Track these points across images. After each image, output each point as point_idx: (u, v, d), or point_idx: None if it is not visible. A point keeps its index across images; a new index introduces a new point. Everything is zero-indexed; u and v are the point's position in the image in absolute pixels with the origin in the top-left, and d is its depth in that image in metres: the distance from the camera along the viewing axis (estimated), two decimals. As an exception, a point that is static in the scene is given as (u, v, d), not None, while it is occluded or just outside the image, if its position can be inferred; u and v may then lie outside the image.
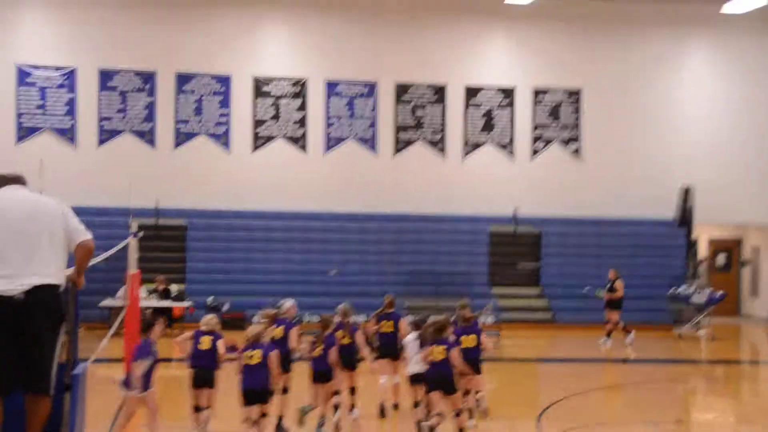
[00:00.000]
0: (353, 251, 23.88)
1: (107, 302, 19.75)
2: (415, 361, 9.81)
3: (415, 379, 9.87)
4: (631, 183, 25.38)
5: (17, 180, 5.51)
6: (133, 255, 13.74)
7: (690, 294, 22.93)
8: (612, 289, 19.58)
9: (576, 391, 13.86)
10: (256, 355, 9.13)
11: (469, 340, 10.23)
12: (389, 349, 11.29)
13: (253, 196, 24.03)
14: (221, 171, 24.15)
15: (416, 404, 9.98)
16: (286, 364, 10.05)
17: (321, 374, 9.99)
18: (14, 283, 4.99)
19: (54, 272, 5.18)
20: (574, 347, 19.79)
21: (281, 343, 10.17)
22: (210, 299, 21.85)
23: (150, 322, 9.22)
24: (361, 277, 22.95)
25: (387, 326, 11.52)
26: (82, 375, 5.33)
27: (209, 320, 10.00)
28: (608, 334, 19.23)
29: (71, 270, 5.57)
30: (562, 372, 16.65)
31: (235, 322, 20.83)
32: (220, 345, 9.60)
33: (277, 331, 10.39)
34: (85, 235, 5.46)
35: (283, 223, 23.99)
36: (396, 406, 11.40)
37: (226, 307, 21.69)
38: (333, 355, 9.99)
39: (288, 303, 10.99)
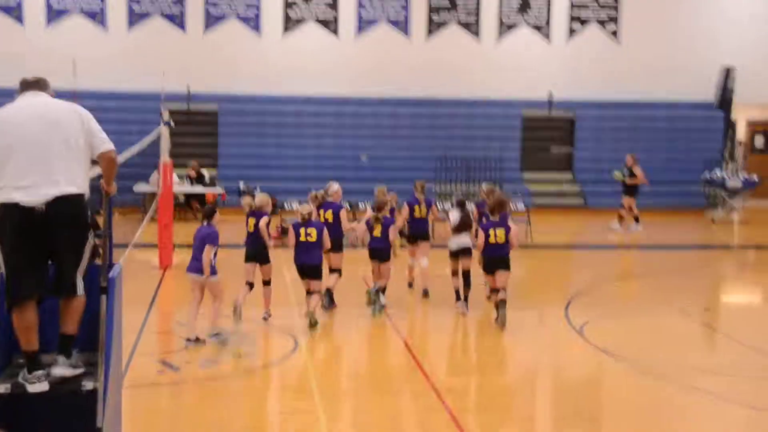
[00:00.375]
0: (385, 136, 23.74)
1: (141, 187, 19.95)
2: (456, 237, 11.02)
3: (455, 254, 11.04)
4: (670, 65, 24.72)
5: (38, 84, 5.34)
6: (165, 144, 13.76)
7: (725, 178, 22.64)
8: (631, 175, 19.44)
9: (606, 279, 13.90)
10: (312, 233, 9.96)
11: (498, 234, 10.42)
12: (422, 232, 11.97)
13: (284, 80, 23.78)
14: (252, 55, 23.85)
15: (454, 273, 11.14)
16: (338, 245, 10.74)
17: (378, 251, 10.90)
18: (35, 194, 4.90)
19: (75, 181, 5.04)
20: (606, 233, 19.77)
21: (331, 225, 10.65)
22: (242, 184, 21.98)
23: (212, 209, 9.59)
24: (393, 162, 22.89)
25: (418, 211, 12.04)
26: (117, 277, 5.35)
27: (248, 201, 10.81)
28: (636, 219, 19.24)
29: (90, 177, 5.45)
30: (592, 258, 16.68)
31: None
32: (325, 237, 10.08)
33: (327, 214, 10.85)
34: (107, 146, 5.31)
35: (315, 107, 23.82)
36: (426, 293, 11.94)
37: (257, 193, 21.79)
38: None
39: (335, 186, 11.27)
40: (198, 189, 20.44)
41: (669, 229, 20.33)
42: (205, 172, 21.20)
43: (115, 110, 22.76)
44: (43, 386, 4.99)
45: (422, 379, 8.42)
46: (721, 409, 7.90)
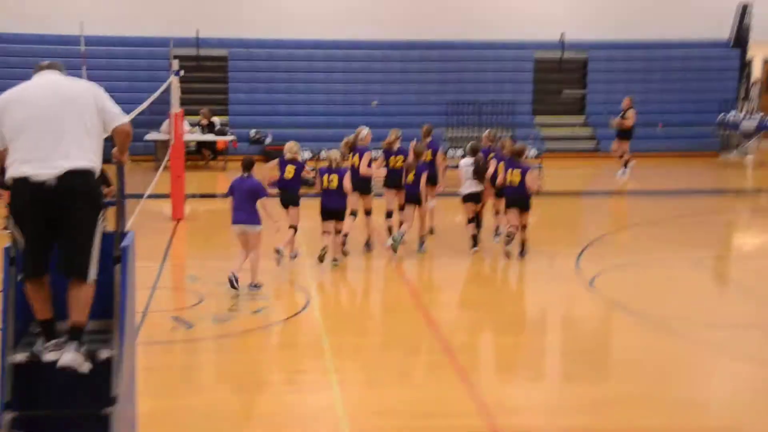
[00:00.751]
0: (395, 81, 23.55)
1: (152, 136, 19.94)
2: (468, 183, 11.59)
3: (468, 198, 11.67)
4: (684, 2, 24.31)
5: (52, 66, 5.25)
6: (176, 94, 13.70)
7: (740, 119, 22.41)
8: (624, 117, 19.01)
9: (618, 226, 13.90)
10: (334, 180, 10.67)
11: (514, 175, 11.23)
12: (428, 176, 11.86)
13: (293, 25, 23.50)
14: (264, 2, 23.59)
15: (469, 220, 11.74)
16: (366, 187, 11.35)
17: (413, 196, 11.42)
18: (45, 168, 4.86)
19: (87, 156, 4.97)
20: (617, 179, 19.70)
21: (357, 169, 11.19)
22: (253, 132, 21.93)
23: (251, 160, 10.03)
24: (403, 107, 22.75)
25: (426, 155, 12.05)
26: (131, 246, 5.36)
27: (291, 147, 11.13)
28: (625, 165, 18.81)
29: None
30: (604, 205, 16.64)
31: (277, 154, 20.90)
32: (346, 181, 10.73)
33: (356, 159, 11.32)
34: (121, 119, 5.27)
35: (324, 52, 23.61)
36: (431, 230, 12.62)
37: (268, 140, 21.80)
38: (424, 179, 11.40)
39: (364, 130, 11.60)
40: (209, 137, 20.42)
41: (682, 173, 20.21)
42: (216, 120, 21.15)
43: (124, 56, 22.67)
44: (57, 355, 5.06)
45: (431, 335, 8.50)
46: (728, 365, 7.95)
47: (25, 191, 4.92)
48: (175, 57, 16.61)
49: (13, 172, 4.96)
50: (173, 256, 11.71)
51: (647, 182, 18.70)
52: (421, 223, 11.87)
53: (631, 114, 18.64)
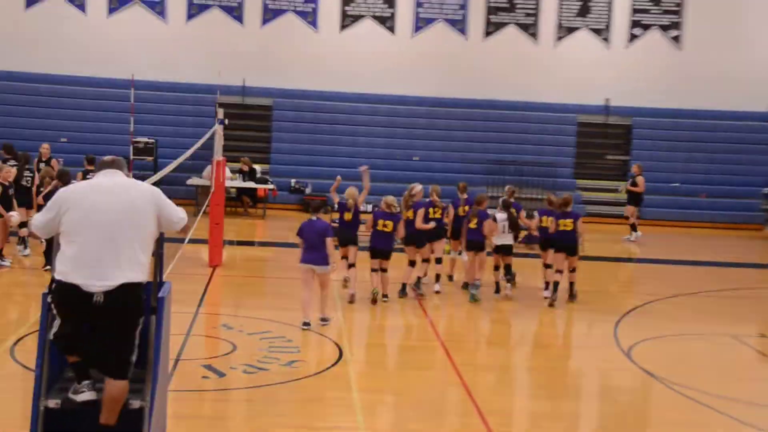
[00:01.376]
0: (438, 137, 23.70)
1: (194, 181, 20.18)
2: (502, 235, 12.61)
3: (499, 249, 12.70)
4: (733, 74, 24.22)
5: (114, 164, 5.30)
6: (219, 142, 13.87)
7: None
8: (634, 184, 19.55)
9: (659, 295, 13.69)
10: (389, 225, 11.78)
11: (567, 224, 12.45)
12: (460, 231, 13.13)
13: (339, 77, 23.84)
14: (308, 50, 23.94)
15: (496, 267, 12.86)
16: (421, 240, 12.47)
17: (475, 243, 12.37)
18: (95, 279, 4.92)
19: (139, 269, 5.04)
20: (660, 246, 19.46)
21: (413, 222, 12.31)
22: (293, 181, 22.11)
23: (321, 203, 11.46)
24: (445, 164, 22.83)
25: (462, 210, 13.26)
26: (167, 297, 5.40)
27: (352, 194, 12.37)
28: (634, 228, 19.45)
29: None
30: (645, 273, 16.44)
31: (318, 204, 21.09)
32: (400, 228, 11.90)
33: (410, 213, 12.44)
34: (181, 220, 5.39)
35: (368, 106, 23.85)
36: (465, 285, 13.25)
37: (308, 190, 21.95)
38: (487, 227, 12.31)
39: (418, 186, 12.77)
40: (249, 184, 20.61)
41: (726, 245, 19.96)
42: (257, 167, 21.36)
43: (172, 101, 23.09)
44: (91, 395, 5.08)
45: (464, 397, 8.38)
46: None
47: (71, 298, 4.96)
48: (221, 105, 16.89)
49: (62, 274, 4.97)
50: (208, 303, 11.74)
51: (690, 252, 18.48)
52: (479, 268, 12.53)
53: (640, 181, 19.00)
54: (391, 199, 12.04)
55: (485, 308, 12.18)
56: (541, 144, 23.76)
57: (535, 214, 13.45)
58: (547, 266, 12.98)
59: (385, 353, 10.22)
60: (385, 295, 11.97)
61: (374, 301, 11.82)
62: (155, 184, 5.51)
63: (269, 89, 23.70)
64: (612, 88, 24.26)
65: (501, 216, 12.75)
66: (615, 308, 12.54)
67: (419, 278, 12.73)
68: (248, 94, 23.52)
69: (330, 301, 11.17)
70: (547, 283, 12.82)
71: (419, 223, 12.34)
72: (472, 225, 12.37)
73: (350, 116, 23.74)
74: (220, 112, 14.19)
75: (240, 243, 17.00)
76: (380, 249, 11.88)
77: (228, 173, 19.31)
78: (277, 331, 10.20)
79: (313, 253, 10.38)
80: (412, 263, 12.48)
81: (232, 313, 11.17)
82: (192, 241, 13.79)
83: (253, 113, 23.69)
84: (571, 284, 12.70)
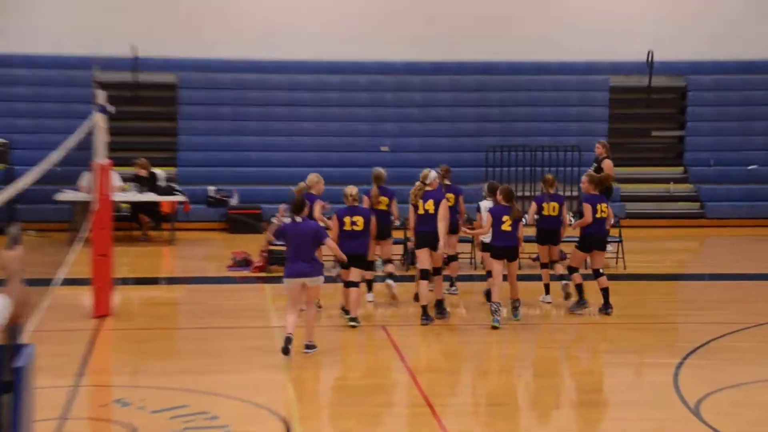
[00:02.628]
0: (415, 118, 23.68)
1: (66, 195, 19.96)
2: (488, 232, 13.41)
3: (498, 253, 13.28)
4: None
5: None
6: (101, 138, 13.70)
7: None
8: (598, 170, 18.52)
9: (733, 326, 13.71)
10: (359, 222, 12.83)
11: (604, 210, 13.80)
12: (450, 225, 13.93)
13: (270, 39, 23.79)
14: (227, 6, 23.86)
15: (495, 273, 13.38)
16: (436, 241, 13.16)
17: (509, 250, 13.17)
18: None
19: None
20: (733, 256, 19.50)
21: (431, 216, 13.02)
22: (212, 190, 21.95)
23: (301, 201, 11.64)
24: (426, 155, 22.70)
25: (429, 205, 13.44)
26: (27, 366, 5.26)
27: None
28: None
29: None
30: (712, 295, 16.48)
31: (248, 221, 20.99)
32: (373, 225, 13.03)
33: (429, 205, 13.09)
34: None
35: (315, 78, 23.82)
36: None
37: (234, 201, 21.81)
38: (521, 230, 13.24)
39: (432, 173, 13.40)
40: (149, 197, 20.42)
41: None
42: (159, 172, 21.20)
43: (27, 82, 22.83)
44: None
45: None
46: None
47: None
48: (102, 85, 16.76)
49: None
50: (94, 371, 11.55)
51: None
52: (512, 284, 13.39)
53: (608, 166, 18.35)
54: (353, 190, 12.94)
55: (479, 338, 12.24)
56: (561, 119, 23.83)
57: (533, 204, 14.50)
58: (544, 266, 14.46)
59: (350, 429, 10.11)
60: (353, 318, 12.89)
61: (353, 322, 12.79)
62: (9, 203, 5.36)
63: (171, 61, 23.58)
64: (657, 36, 24.39)
65: (488, 204, 13.81)
66: (674, 345, 12.55)
67: (440, 300, 13.54)
68: (142, 68, 23.36)
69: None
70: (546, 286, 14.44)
71: (443, 216, 13.07)
72: (505, 227, 13.15)
73: (289, 94, 23.66)
74: (101, 95, 13.98)
75: (138, 281, 16.82)
76: (355, 254, 12.74)
77: (117, 182, 19.09)
78: (196, 404, 10.01)
79: (302, 264, 11.36)
80: (425, 274, 13.17)
81: (130, 383, 10.99)
82: (68, 282, 13.60)
83: (149, 95, 23.55)
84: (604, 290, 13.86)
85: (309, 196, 13.59)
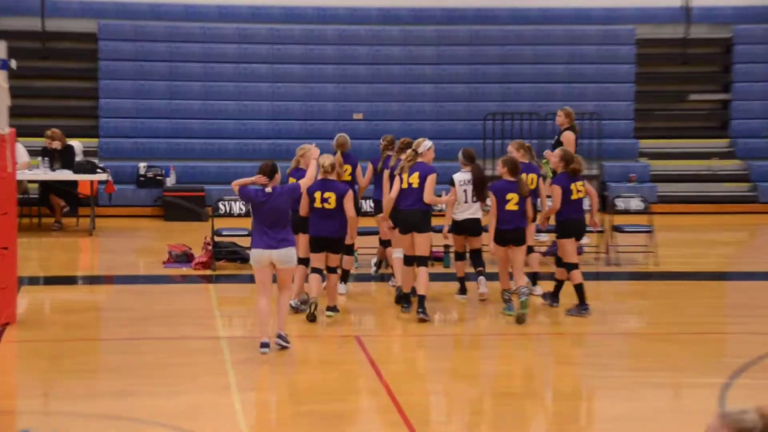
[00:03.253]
0: (394, 77, 23.65)
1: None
2: (465, 206, 14.22)
3: (462, 227, 14.35)
4: None
5: None
6: (2, 102, 13.60)
7: None
8: (558, 143, 18.42)
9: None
10: (331, 200, 13.14)
11: (581, 189, 14.02)
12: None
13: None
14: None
15: (458, 256, 14.64)
16: (426, 222, 13.82)
17: (517, 232, 13.80)
18: None
19: None
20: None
21: (415, 191, 13.62)
22: (143, 166, 21.85)
23: (272, 165, 12.05)
24: (409, 125, 22.78)
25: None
26: None
27: (327, 162, 13.26)
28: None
29: None
30: (765, 299, 16.52)
31: (182, 202, 20.92)
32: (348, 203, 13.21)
33: (414, 178, 13.62)
34: None
35: (270, 28, 23.75)
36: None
37: (171, 180, 21.73)
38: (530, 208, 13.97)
39: (427, 142, 13.97)
40: (63, 175, 20.27)
41: None
42: (76, 144, 21.05)
43: None
44: None
45: None
46: None
47: None
48: (2, 34, 16.61)
49: None
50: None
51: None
52: (517, 274, 13.81)
53: (568, 138, 18.09)
54: (326, 160, 13.23)
55: (480, 352, 12.35)
56: (576, 80, 23.82)
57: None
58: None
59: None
60: (331, 308, 13.37)
61: (311, 317, 13.14)
62: None
63: (90, 4, 23.46)
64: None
65: (462, 177, 14.24)
66: (719, 361, 12.55)
67: (418, 295, 13.69)
68: (53, 14, 23.22)
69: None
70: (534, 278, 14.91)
71: (429, 196, 13.56)
72: (510, 206, 13.65)
73: (239, 48, 23.59)
74: (1, 47, 13.88)
75: (50, 281, 16.73)
76: (324, 237, 13.22)
77: (23, 157, 18.95)
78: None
79: (274, 237, 11.87)
80: (409, 260, 13.71)
81: (39, 409, 10.90)
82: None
83: (63, 48, 23.43)
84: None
85: (420, 166, 13.78)
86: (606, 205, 19.34)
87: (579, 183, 14.03)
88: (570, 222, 13.96)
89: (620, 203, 18.39)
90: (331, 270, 13.43)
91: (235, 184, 12.07)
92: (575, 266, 13.90)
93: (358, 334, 13.15)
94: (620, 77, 24.15)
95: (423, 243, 13.67)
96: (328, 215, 13.16)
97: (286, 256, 11.89)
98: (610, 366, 12.21)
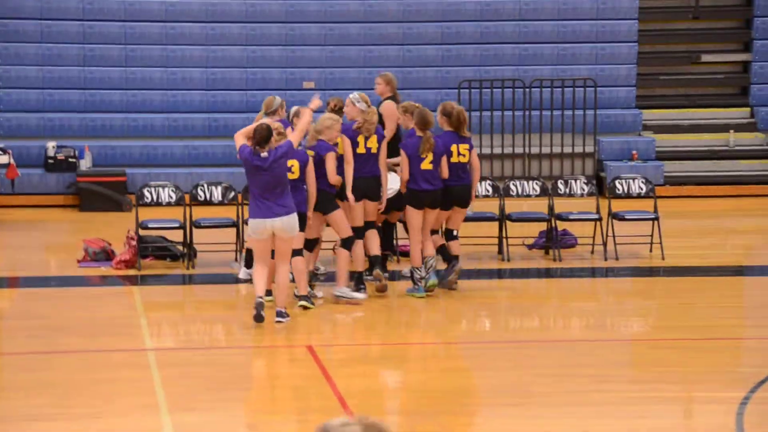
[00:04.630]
0: (351, 38, 23.66)
1: None
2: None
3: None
4: None
5: None
6: None
7: None
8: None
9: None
10: (294, 168, 13.90)
11: (463, 153, 14.96)
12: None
13: None
14: None
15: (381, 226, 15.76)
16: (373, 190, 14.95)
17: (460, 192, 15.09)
18: None
19: None
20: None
21: (371, 157, 14.91)
22: (52, 146, 21.79)
23: (267, 130, 13.22)
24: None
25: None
26: None
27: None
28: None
29: None
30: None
31: (107, 194, 20.91)
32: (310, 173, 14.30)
33: (371, 142, 14.86)
34: None
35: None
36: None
37: (86, 163, 21.68)
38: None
39: (356, 95, 15.51)
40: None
41: None
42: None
43: None
44: None
45: None
46: None
47: None
48: None
49: None
50: None
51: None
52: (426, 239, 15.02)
53: (387, 108, 18.39)
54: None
55: (454, 363, 12.24)
56: (567, 40, 23.83)
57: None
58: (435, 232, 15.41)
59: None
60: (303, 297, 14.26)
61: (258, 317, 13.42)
62: None
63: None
64: None
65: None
66: (735, 372, 12.66)
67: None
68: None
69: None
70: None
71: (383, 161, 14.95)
72: (426, 165, 14.69)
73: (167, 3, 23.50)
74: None
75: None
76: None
77: None
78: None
79: (275, 204, 13.15)
80: (359, 233, 14.77)
81: None
82: None
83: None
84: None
85: (321, 146, 14.57)
86: (603, 188, 19.44)
87: (463, 145, 15.01)
88: (450, 189, 14.80)
89: (620, 186, 18.30)
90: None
91: (239, 135, 13.44)
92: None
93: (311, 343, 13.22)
94: (620, 35, 24.14)
95: (375, 210, 14.92)
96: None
97: (289, 224, 13.19)
98: (609, 378, 12.29)
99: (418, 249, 14.78)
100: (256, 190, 13.25)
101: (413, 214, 14.63)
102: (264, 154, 13.12)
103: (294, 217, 13.29)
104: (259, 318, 13.01)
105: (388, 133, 16.08)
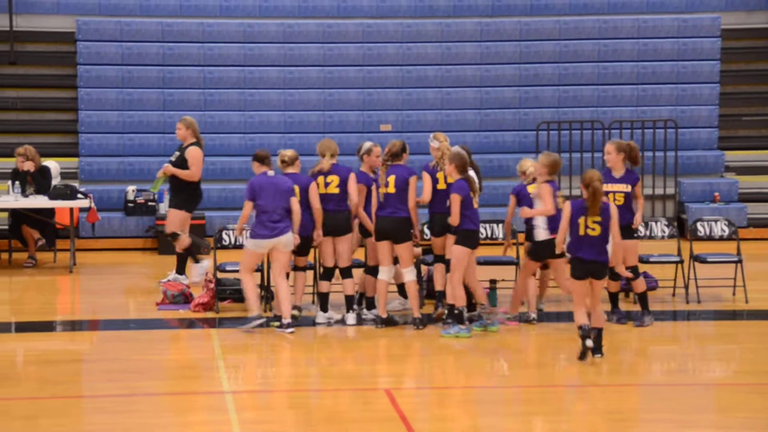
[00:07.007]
0: (429, 81, 23.68)
1: None
2: None
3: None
4: None
5: None
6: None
7: None
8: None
9: None
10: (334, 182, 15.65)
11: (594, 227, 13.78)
12: None
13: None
14: None
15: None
16: (404, 230, 15.32)
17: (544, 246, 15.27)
18: None
19: None
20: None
21: (394, 196, 15.20)
22: (131, 189, 21.86)
23: (264, 152, 15.34)
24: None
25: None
26: None
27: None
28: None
29: None
30: None
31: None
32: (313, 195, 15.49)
33: (390, 179, 15.13)
34: None
35: (278, 23, 23.84)
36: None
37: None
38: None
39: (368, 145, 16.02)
40: (37, 201, 20.35)
41: None
42: (53, 165, 21.13)
43: None
44: None
45: None
46: None
47: None
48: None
49: None
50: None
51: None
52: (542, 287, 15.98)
53: (193, 156, 18.18)
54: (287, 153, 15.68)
55: (503, 409, 12.18)
56: (648, 81, 23.78)
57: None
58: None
59: None
60: (296, 308, 15.57)
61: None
62: None
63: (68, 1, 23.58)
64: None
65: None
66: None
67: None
68: (23, 10, 23.34)
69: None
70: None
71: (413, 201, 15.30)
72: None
73: (245, 49, 23.64)
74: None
75: (22, 327, 16.76)
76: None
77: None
78: None
79: (279, 223, 14.84)
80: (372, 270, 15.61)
81: None
82: None
83: (35, 51, 23.50)
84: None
85: (363, 176, 15.65)
86: (685, 231, 19.32)
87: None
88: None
89: (702, 228, 18.22)
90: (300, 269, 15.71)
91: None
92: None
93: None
94: (701, 76, 24.10)
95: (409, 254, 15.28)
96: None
97: (289, 239, 14.78)
98: (692, 423, 12.17)
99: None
100: (265, 210, 15.07)
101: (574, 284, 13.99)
102: (270, 173, 15.44)
103: (290, 234, 14.91)
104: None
105: None
